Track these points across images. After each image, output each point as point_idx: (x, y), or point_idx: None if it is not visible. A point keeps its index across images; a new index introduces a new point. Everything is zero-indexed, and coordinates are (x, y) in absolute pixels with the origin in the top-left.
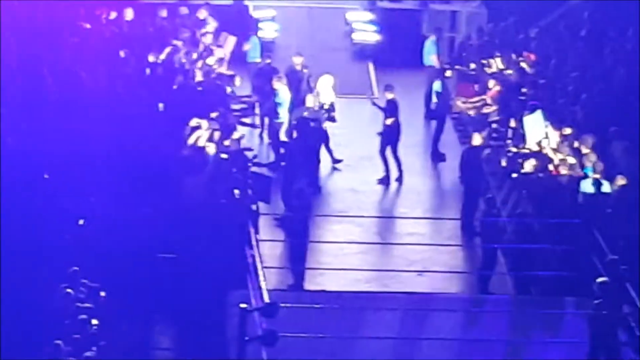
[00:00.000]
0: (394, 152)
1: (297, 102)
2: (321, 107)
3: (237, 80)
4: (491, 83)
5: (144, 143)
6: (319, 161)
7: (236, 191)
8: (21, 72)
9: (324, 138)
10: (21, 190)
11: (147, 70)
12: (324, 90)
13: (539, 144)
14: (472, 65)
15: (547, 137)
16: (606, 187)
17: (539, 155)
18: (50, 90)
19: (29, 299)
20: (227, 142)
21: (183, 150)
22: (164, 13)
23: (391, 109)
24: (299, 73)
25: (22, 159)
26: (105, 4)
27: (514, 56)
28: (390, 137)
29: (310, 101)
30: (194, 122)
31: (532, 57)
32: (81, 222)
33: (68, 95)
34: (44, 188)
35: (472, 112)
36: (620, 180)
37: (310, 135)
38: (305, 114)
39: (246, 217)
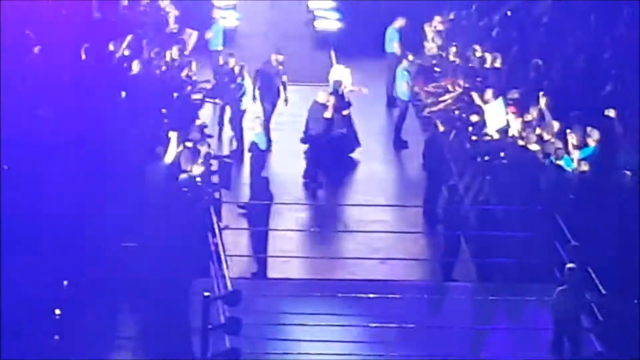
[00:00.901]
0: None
1: (269, 96)
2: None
3: (194, 65)
4: (451, 70)
5: (106, 132)
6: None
7: (198, 179)
8: None
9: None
10: None
11: (113, 60)
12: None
13: (499, 131)
14: (433, 52)
15: (508, 125)
16: (569, 174)
17: (501, 142)
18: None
19: None
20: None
21: (145, 139)
22: (125, 2)
23: None
24: (274, 69)
25: None
26: None
27: (476, 47)
28: None
29: (322, 97)
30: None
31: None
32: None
33: (32, 86)
34: (7, 178)
35: (431, 99)
36: (583, 166)
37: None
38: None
39: (209, 205)
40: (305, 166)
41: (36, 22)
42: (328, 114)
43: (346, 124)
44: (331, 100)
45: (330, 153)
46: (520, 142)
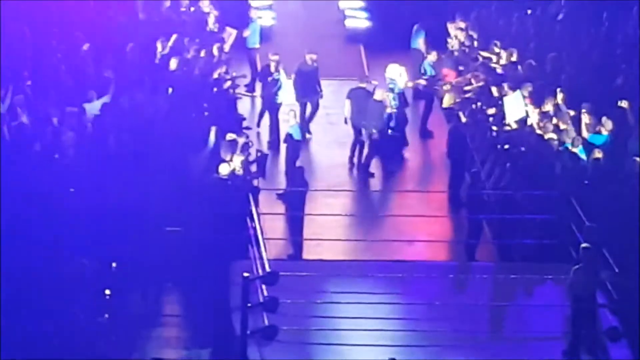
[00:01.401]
0: None
1: (303, 92)
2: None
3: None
4: (473, 66)
5: (151, 124)
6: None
7: (237, 168)
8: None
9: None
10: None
11: (157, 59)
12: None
13: (518, 121)
14: (455, 48)
15: (527, 116)
16: (584, 161)
17: (520, 131)
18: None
19: (46, 270)
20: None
21: (188, 132)
22: (167, 4)
23: None
24: (309, 67)
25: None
26: None
27: (496, 42)
28: None
29: (379, 95)
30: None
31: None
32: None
33: (77, 81)
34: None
35: (454, 92)
36: (597, 154)
37: None
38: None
39: (248, 192)
40: (365, 157)
41: (84, 23)
42: (389, 110)
43: (401, 121)
44: (388, 98)
45: (385, 150)
46: (538, 132)
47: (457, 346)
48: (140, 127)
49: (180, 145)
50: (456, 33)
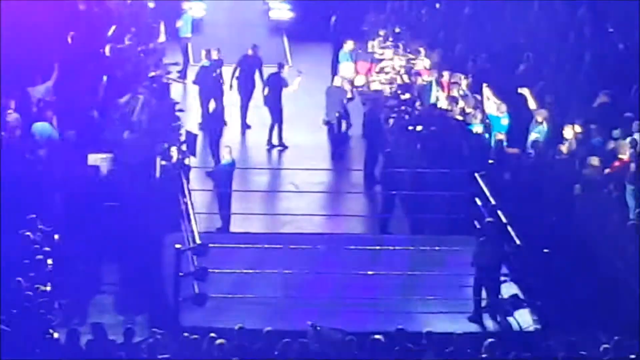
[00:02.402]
0: None
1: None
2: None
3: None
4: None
5: (91, 107)
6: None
7: (173, 148)
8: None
9: None
10: None
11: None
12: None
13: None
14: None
15: (437, 99)
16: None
17: (429, 114)
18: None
19: None
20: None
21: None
22: None
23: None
24: (250, 58)
25: None
26: None
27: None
28: None
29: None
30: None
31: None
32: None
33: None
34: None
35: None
36: (500, 135)
37: None
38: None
39: (179, 170)
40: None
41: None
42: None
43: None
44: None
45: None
46: (447, 114)
47: (373, 312)
48: (80, 111)
49: (118, 127)
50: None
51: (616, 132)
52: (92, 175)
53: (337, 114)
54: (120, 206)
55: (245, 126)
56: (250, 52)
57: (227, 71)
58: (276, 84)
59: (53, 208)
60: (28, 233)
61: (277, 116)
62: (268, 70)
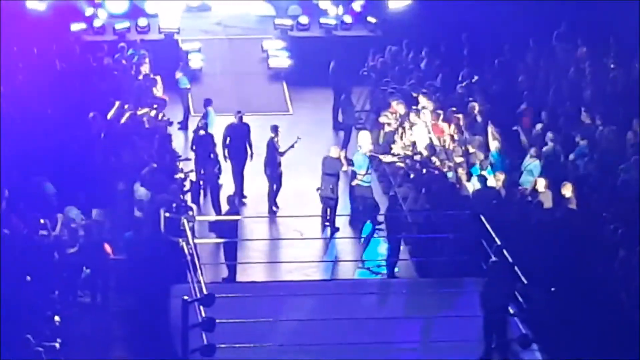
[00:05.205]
0: None
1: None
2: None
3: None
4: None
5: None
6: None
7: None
8: None
9: None
10: None
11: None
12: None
13: (427, 147)
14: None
15: (432, 143)
16: (491, 182)
17: (430, 158)
18: None
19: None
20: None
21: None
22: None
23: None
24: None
25: None
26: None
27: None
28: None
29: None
30: None
31: None
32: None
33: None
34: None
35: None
36: (500, 176)
37: None
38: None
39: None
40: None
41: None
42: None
43: None
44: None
45: None
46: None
47: (384, 357)
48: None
49: (123, 181)
50: (369, 70)
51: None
52: (96, 227)
53: (331, 187)
54: (127, 260)
55: (241, 197)
56: (235, 120)
57: (224, 120)
58: (272, 149)
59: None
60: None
61: (275, 182)
62: (267, 118)
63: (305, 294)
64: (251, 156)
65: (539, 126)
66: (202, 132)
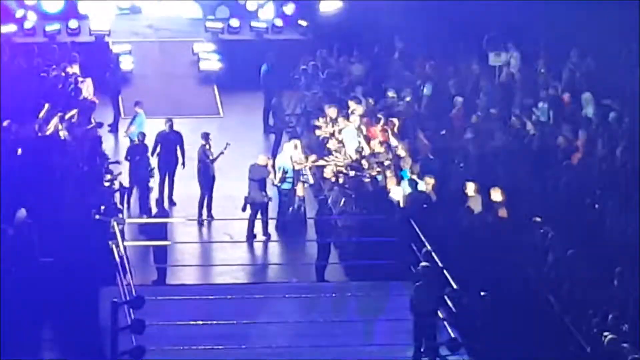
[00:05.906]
0: None
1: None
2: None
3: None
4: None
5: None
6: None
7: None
8: None
9: None
10: None
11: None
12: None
13: (356, 151)
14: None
15: (361, 147)
16: (421, 186)
17: (360, 162)
18: None
19: None
20: None
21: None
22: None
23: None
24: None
25: None
26: None
27: None
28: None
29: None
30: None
31: None
32: None
33: None
34: None
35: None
36: (429, 180)
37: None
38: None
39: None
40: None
41: None
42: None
43: None
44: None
45: None
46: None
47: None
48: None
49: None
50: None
51: None
52: (25, 232)
53: (261, 193)
54: (56, 262)
55: (171, 203)
56: (166, 128)
57: (154, 124)
58: (203, 157)
59: None
60: None
61: (208, 191)
62: (198, 121)
63: (234, 297)
64: (183, 164)
65: (469, 131)
66: (136, 141)
